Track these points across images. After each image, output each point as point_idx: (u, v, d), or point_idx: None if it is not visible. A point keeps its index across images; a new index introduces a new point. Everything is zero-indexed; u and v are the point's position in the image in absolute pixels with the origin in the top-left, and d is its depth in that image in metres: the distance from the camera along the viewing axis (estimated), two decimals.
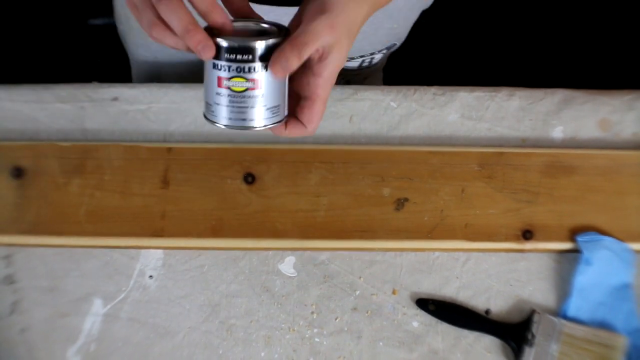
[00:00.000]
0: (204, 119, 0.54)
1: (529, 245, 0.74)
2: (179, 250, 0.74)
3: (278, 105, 0.53)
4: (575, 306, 0.71)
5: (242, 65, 0.50)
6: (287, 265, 0.74)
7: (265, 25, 0.53)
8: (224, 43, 0.49)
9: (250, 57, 0.50)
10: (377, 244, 0.74)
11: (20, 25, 1.57)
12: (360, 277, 0.73)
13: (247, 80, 0.51)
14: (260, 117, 0.52)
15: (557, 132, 0.80)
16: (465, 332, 0.71)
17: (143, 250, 0.74)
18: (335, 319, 0.72)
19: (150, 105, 0.80)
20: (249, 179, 0.75)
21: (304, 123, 0.54)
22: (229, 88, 0.51)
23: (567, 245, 0.74)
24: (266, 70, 0.51)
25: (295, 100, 0.55)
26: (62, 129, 0.79)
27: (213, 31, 0.50)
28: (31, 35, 1.56)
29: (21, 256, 0.74)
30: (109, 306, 0.72)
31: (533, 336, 0.69)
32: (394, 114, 0.80)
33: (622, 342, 0.68)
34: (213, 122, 0.53)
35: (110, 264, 0.73)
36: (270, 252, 0.74)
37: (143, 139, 0.78)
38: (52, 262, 0.73)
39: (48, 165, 0.75)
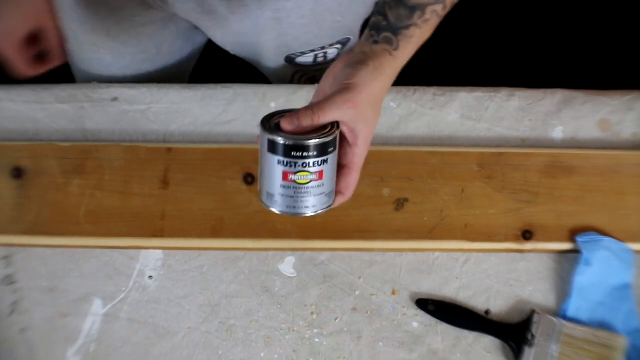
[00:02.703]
0: (260, 202, 0.59)
1: (528, 245, 0.74)
2: (179, 250, 0.74)
3: (332, 189, 0.58)
4: (575, 306, 0.71)
5: (307, 161, 0.54)
6: (287, 265, 0.74)
7: None
8: (290, 142, 0.53)
9: (315, 153, 0.54)
10: (377, 244, 0.74)
11: None
12: (360, 278, 0.73)
13: (312, 173, 0.54)
14: (318, 203, 0.57)
15: (557, 133, 0.80)
16: (465, 333, 0.71)
17: (143, 251, 0.74)
18: (335, 320, 0.72)
19: (150, 106, 0.80)
20: (249, 179, 0.75)
21: (342, 190, 0.58)
22: (294, 181, 0.55)
23: (566, 246, 0.74)
24: (327, 163, 0.55)
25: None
26: (62, 129, 0.79)
27: (272, 127, 0.54)
28: None
29: (21, 256, 0.74)
30: (108, 306, 0.72)
31: (533, 336, 0.69)
32: (393, 114, 0.80)
33: (621, 342, 0.68)
34: (270, 208, 0.57)
35: (110, 264, 0.73)
36: (270, 253, 0.74)
37: (143, 139, 0.78)
38: (52, 263, 0.73)
39: (48, 165, 0.75)
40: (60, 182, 0.75)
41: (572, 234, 0.74)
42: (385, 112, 0.80)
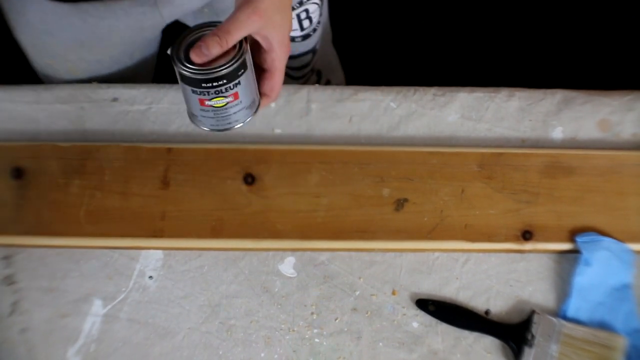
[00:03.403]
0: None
1: (528, 245, 0.74)
2: (179, 250, 0.74)
3: (253, 99, 0.60)
4: (575, 307, 0.71)
5: (219, 88, 0.56)
6: (287, 265, 0.74)
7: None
8: (198, 75, 0.55)
9: (225, 80, 0.55)
10: (376, 245, 0.74)
11: None
12: (360, 278, 0.73)
13: (227, 97, 0.57)
14: (241, 117, 0.59)
15: (557, 133, 0.80)
16: (465, 333, 0.71)
17: (143, 251, 0.74)
18: (335, 320, 0.72)
19: (150, 106, 0.80)
20: (249, 179, 0.75)
21: (266, 93, 0.61)
22: (211, 106, 0.57)
23: (566, 246, 0.74)
24: (240, 84, 0.56)
25: (258, 73, 0.60)
26: (62, 129, 0.79)
27: (181, 58, 0.56)
28: None
29: (21, 257, 0.74)
30: (108, 307, 0.72)
31: (533, 337, 0.69)
32: (393, 114, 0.80)
33: (621, 342, 0.68)
34: (199, 127, 0.61)
35: (110, 264, 0.73)
36: (270, 253, 0.74)
37: (143, 140, 0.78)
38: (52, 263, 0.73)
39: (48, 165, 0.75)
40: (60, 182, 0.75)
41: (572, 234, 0.74)
42: (385, 112, 0.80)
